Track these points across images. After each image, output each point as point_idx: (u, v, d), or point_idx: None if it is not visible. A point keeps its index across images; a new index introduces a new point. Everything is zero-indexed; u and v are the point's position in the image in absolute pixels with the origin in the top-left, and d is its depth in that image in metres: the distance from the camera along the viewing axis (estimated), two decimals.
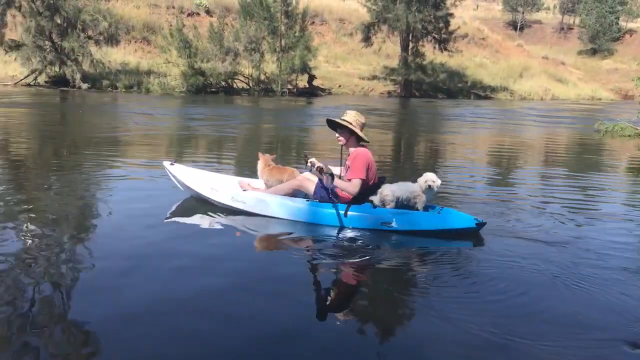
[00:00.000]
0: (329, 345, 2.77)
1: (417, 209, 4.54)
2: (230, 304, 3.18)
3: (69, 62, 22.51)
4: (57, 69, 22.98)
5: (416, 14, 27.47)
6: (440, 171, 7.69)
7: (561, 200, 6.12)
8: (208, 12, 32.48)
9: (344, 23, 35.56)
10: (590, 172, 8.62)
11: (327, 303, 3.33)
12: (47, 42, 22.51)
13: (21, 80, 23.00)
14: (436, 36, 29.53)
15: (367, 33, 30.01)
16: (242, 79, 25.51)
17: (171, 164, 5.36)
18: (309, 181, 4.80)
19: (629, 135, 13.80)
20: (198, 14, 32.35)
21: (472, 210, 5.05)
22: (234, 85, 25.26)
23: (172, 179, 5.39)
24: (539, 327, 2.99)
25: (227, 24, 25.94)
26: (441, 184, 4.62)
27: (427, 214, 4.52)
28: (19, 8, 22.38)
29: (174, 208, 5.12)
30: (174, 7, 31.69)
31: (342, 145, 4.86)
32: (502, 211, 5.42)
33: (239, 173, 6.34)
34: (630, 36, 49.07)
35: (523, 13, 53.71)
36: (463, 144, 11.78)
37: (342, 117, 4.77)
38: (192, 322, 2.90)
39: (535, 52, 42.71)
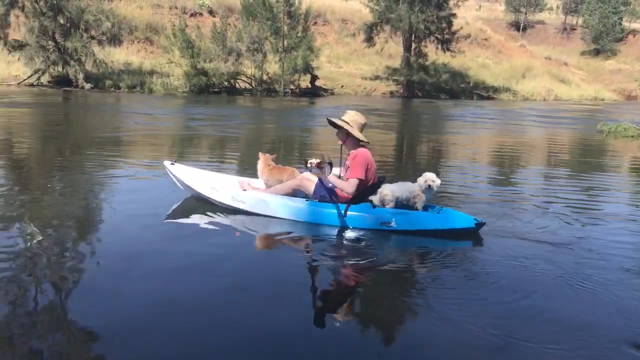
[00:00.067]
0: (328, 345, 2.77)
1: (416, 209, 4.54)
2: (230, 303, 3.18)
3: (72, 62, 22.54)
4: (60, 69, 23.01)
5: (419, 14, 27.42)
6: (442, 171, 7.69)
7: (563, 200, 6.11)
8: (211, 12, 32.48)
9: (347, 23, 35.54)
10: (593, 172, 8.60)
11: (327, 303, 3.33)
12: (50, 42, 22.55)
13: (24, 80, 23.05)
14: (439, 36, 29.46)
15: (370, 33, 29.95)
16: (244, 79, 25.52)
17: (171, 164, 5.37)
18: (309, 181, 4.80)
19: (632, 136, 13.75)
20: (201, 14, 32.38)
21: (474, 210, 5.05)
22: (237, 86, 25.27)
23: (173, 178, 5.39)
24: (540, 328, 2.98)
25: (229, 24, 25.94)
26: (442, 184, 4.62)
27: (427, 214, 4.52)
28: (22, 8, 22.42)
29: (174, 208, 5.13)
30: (176, 8, 31.70)
31: (341, 145, 4.87)
32: (504, 211, 5.41)
33: (241, 173, 6.35)
34: (634, 37, 48.89)
35: (526, 13, 53.58)
36: (465, 144, 11.76)
37: (342, 117, 4.78)
38: (192, 322, 2.90)
39: (538, 53, 42.60)
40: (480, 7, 56.52)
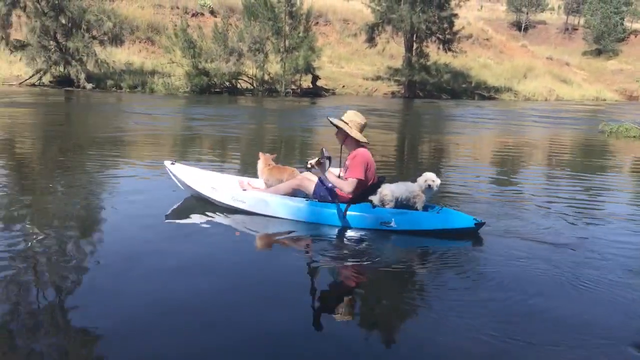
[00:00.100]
0: (328, 345, 2.77)
1: (416, 209, 4.54)
2: (230, 303, 3.19)
3: (73, 62, 22.57)
4: (61, 69, 23.04)
5: (420, 14, 27.39)
6: (444, 171, 7.69)
7: (565, 200, 6.10)
8: (212, 12, 32.49)
9: (348, 23, 35.52)
10: (594, 172, 8.58)
11: (326, 303, 3.33)
12: (51, 42, 22.58)
13: (26, 80, 23.09)
14: (440, 37, 29.44)
15: (371, 33, 29.93)
16: (246, 79, 25.53)
17: (172, 164, 5.38)
18: (309, 181, 4.81)
19: (634, 136, 13.72)
20: (202, 14, 32.39)
21: (475, 210, 5.06)
22: (238, 86, 25.28)
23: (173, 178, 5.40)
24: (540, 327, 2.97)
25: (231, 25, 25.96)
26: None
27: (427, 214, 4.52)
28: (24, 8, 22.45)
29: (174, 208, 5.14)
30: (178, 8, 31.72)
31: (341, 146, 4.88)
32: (505, 211, 5.40)
33: (242, 173, 6.35)
34: (635, 37, 48.77)
35: (527, 14, 53.48)
36: (466, 145, 11.76)
37: (341, 117, 4.79)
38: (192, 322, 2.90)
39: (540, 53, 42.51)
40: (481, 7, 56.43)
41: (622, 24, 48.39)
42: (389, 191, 4.53)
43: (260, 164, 5.27)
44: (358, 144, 4.73)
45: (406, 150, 11.33)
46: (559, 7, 57.99)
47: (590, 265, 3.94)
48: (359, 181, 4.52)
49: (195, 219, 4.81)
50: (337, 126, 4.74)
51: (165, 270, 3.61)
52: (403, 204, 4.55)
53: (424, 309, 3.20)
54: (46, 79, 23.31)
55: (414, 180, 4.59)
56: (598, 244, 4.47)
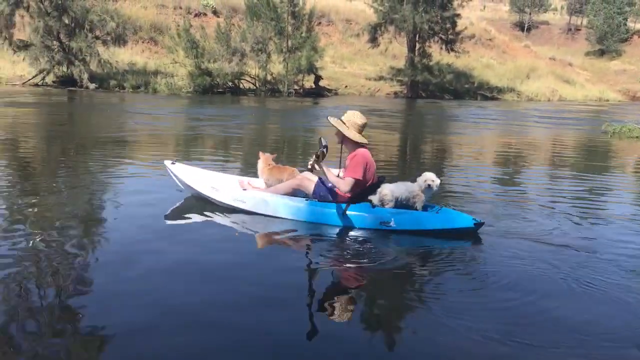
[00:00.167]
0: (328, 345, 2.77)
1: (416, 209, 4.53)
2: (230, 303, 3.19)
3: (76, 62, 22.63)
4: (64, 69, 23.10)
5: (423, 14, 27.37)
6: (446, 171, 7.68)
7: (567, 200, 6.09)
8: (215, 12, 32.53)
9: (351, 24, 35.51)
10: (597, 173, 8.56)
11: (326, 303, 3.32)
12: (55, 42, 22.64)
13: (29, 80, 23.15)
14: (443, 37, 29.41)
15: (374, 34, 29.92)
16: (248, 79, 25.55)
17: (172, 163, 5.38)
18: (309, 180, 4.81)
19: (637, 137, 13.68)
20: (205, 14, 32.43)
21: (476, 210, 5.06)
22: (241, 86, 25.30)
23: (173, 178, 5.40)
24: (541, 327, 2.97)
25: (234, 25, 25.98)
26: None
27: (426, 214, 4.52)
28: (27, 8, 22.52)
29: (174, 208, 5.14)
30: (181, 8, 31.77)
31: (341, 145, 4.88)
32: (507, 211, 5.40)
33: (243, 173, 6.36)
34: (638, 37, 48.63)
35: (530, 14, 53.39)
36: (469, 145, 11.74)
37: (341, 117, 4.79)
38: (192, 322, 2.91)
39: (543, 53, 42.44)
40: (484, 7, 56.35)
41: (625, 24, 48.26)
42: (388, 191, 4.53)
43: (261, 164, 5.28)
44: (357, 144, 4.73)
45: (408, 150, 11.32)
46: (562, 8, 57.91)
47: (592, 265, 3.92)
48: (357, 181, 4.52)
49: (196, 218, 4.81)
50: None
51: (166, 270, 3.62)
52: (403, 204, 4.55)
53: (424, 309, 3.20)
54: (49, 79, 23.37)
55: (413, 180, 4.59)
56: (600, 245, 4.46)
